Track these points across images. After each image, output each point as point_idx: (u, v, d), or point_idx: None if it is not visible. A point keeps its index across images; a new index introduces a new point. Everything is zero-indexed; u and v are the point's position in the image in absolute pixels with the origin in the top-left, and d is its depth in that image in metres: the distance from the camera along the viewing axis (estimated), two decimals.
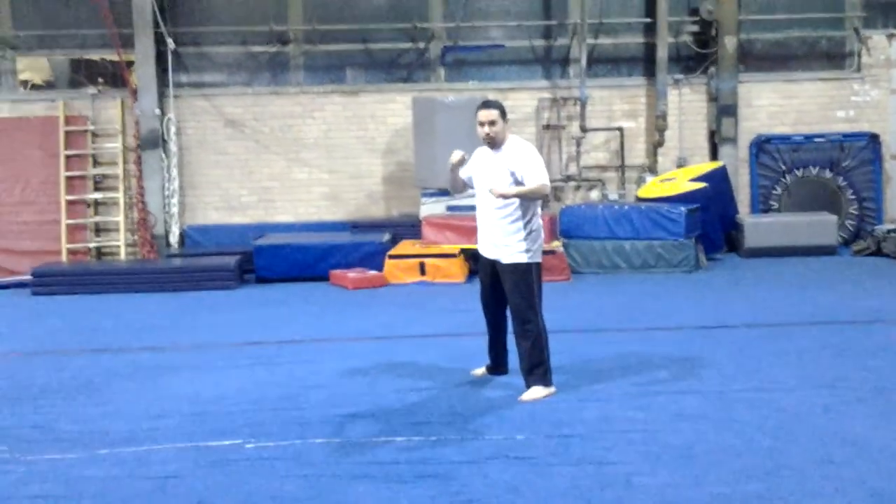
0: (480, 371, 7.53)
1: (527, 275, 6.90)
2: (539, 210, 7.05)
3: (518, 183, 6.81)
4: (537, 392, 6.89)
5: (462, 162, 7.13)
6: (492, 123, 6.88)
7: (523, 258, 6.89)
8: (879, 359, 7.76)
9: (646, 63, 14.36)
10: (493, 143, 6.94)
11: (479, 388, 7.21)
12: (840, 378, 7.23)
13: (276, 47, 14.20)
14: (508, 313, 7.15)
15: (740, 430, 6.07)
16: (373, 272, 11.86)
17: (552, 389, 6.94)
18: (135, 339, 9.33)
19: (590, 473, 5.43)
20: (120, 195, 13.75)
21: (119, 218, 13.72)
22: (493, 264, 7.05)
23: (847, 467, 5.43)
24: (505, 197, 6.78)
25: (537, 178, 6.78)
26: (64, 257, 13.41)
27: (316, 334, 9.27)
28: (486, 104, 6.98)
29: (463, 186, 7.36)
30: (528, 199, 6.85)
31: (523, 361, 7.00)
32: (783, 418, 6.31)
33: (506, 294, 7.01)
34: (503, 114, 6.93)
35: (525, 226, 6.89)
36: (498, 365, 7.46)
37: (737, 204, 13.59)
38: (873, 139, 13.95)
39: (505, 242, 6.93)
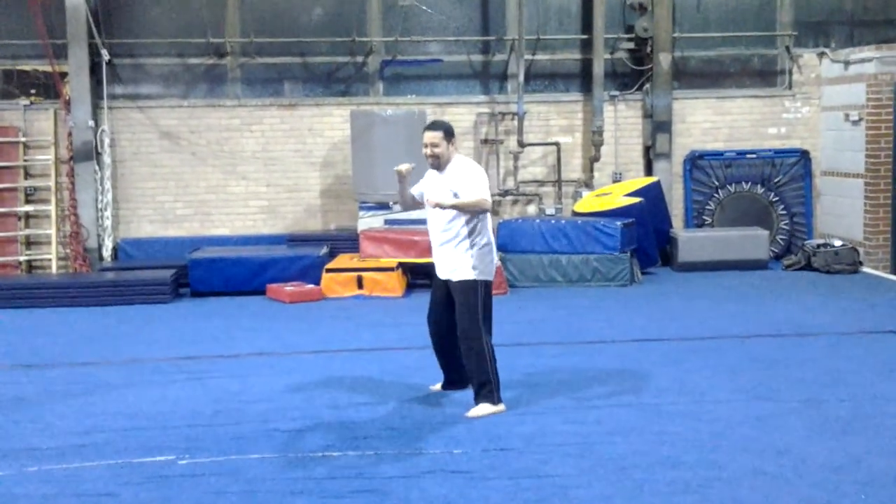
0: (437, 387, 7.49)
1: (472, 292, 6.91)
2: (488, 228, 7.03)
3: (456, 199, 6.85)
4: (483, 409, 6.88)
5: (408, 173, 7.15)
6: (434, 145, 6.91)
7: (471, 275, 6.89)
8: (809, 370, 7.91)
9: (582, 79, 14.48)
10: (438, 164, 6.99)
11: (416, 402, 7.21)
12: (771, 390, 7.35)
13: (212, 59, 14.08)
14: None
15: (674, 443, 6.15)
16: (310, 286, 11.79)
17: (500, 407, 6.92)
18: (66, 354, 9.16)
19: (526, 487, 5.46)
20: (52, 208, 13.51)
21: (51, 231, 13.48)
22: (447, 284, 7.06)
23: (778, 478, 5.53)
24: (441, 207, 6.82)
25: (475, 193, 6.82)
26: None
27: (252, 349, 9.19)
28: (431, 125, 7.03)
29: (413, 202, 7.36)
30: (467, 213, 6.86)
31: (471, 379, 7.02)
32: (715, 430, 6.40)
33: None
34: (448, 134, 6.95)
35: (472, 244, 6.91)
36: (452, 382, 7.41)
37: (671, 218, 13.75)
38: (804, 155, 14.21)
39: (454, 260, 6.95)
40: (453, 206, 6.82)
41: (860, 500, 5.18)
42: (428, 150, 6.94)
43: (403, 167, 7.15)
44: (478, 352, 6.91)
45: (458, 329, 6.99)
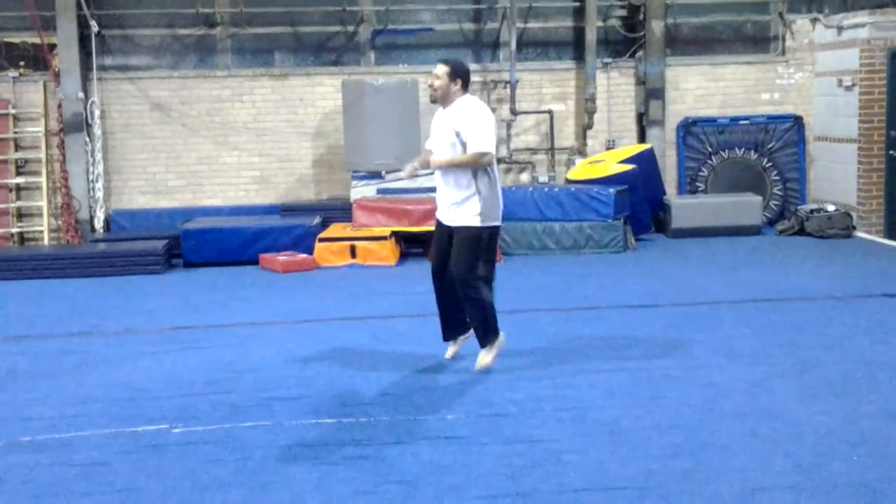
0: (449, 353, 7.40)
1: (473, 239, 6.85)
2: (495, 171, 6.95)
3: (462, 142, 6.78)
4: (488, 356, 6.99)
5: (414, 170, 7.10)
6: (436, 77, 6.88)
7: (475, 221, 6.83)
8: (803, 335, 7.92)
9: (575, 47, 14.41)
10: (436, 98, 6.95)
11: (409, 370, 7.20)
12: (765, 355, 7.36)
13: (202, 30, 13.99)
14: None
15: (668, 407, 6.16)
16: (303, 255, 11.76)
17: (501, 339, 7.05)
18: (59, 325, 9.15)
19: (520, 452, 5.46)
20: (43, 180, 13.45)
21: (42, 203, 13.43)
22: (449, 230, 6.99)
23: (771, 441, 5.54)
24: (440, 167, 6.82)
25: (477, 144, 6.73)
26: None
27: (246, 318, 9.18)
28: (442, 60, 6.97)
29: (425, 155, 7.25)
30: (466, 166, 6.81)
31: (472, 325, 7.08)
32: (709, 395, 6.41)
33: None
34: (454, 72, 6.86)
35: (477, 189, 6.82)
36: (457, 329, 7.33)
37: (664, 185, 13.73)
38: (797, 121, 14.17)
39: (458, 204, 6.88)
40: (451, 163, 6.79)
41: (853, 461, 5.19)
42: (429, 81, 6.93)
43: (408, 171, 7.09)
44: (474, 298, 6.90)
45: (454, 273, 6.90)
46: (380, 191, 12.69)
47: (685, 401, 6.28)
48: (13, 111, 13.54)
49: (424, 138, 12.84)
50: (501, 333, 7.11)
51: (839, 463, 5.18)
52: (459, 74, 6.90)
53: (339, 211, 12.96)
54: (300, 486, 5.06)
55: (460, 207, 6.88)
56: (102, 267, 11.65)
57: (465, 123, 6.79)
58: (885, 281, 10.04)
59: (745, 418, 5.92)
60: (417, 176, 7.21)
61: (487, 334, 7.03)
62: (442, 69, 6.87)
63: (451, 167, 6.84)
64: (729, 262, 11.39)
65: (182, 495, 4.99)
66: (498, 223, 7.03)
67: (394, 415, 6.16)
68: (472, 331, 7.22)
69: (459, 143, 6.82)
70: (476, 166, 6.82)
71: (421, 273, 11.11)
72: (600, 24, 14.20)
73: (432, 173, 7.14)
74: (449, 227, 7.00)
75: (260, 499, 4.93)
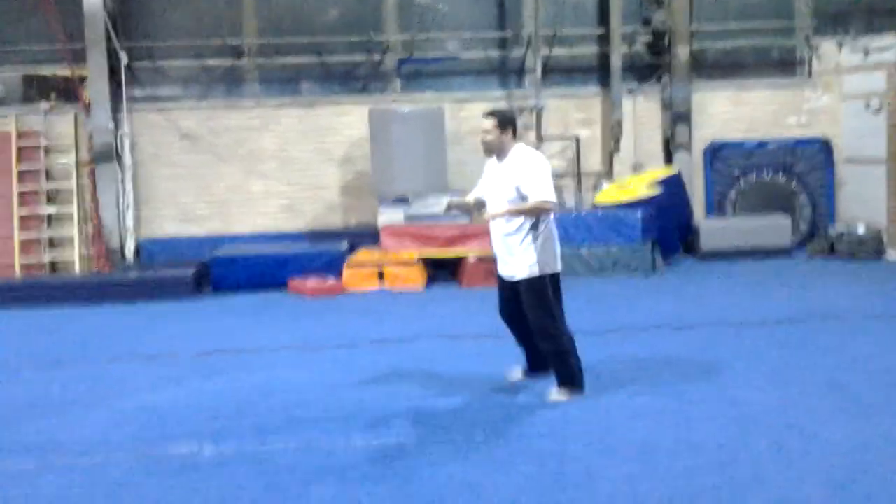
0: (516, 375, 7.37)
1: (539, 289, 6.76)
2: (551, 222, 6.85)
3: (522, 196, 6.67)
4: (558, 395, 6.86)
5: (450, 208, 7.09)
6: (486, 132, 6.77)
7: (535, 271, 6.74)
8: (832, 356, 7.85)
9: (600, 72, 14.45)
10: (490, 151, 6.84)
11: (439, 390, 7.20)
12: (794, 374, 7.31)
13: (230, 61, 14.14)
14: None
15: (697, 426, 6.12)
16: (332, 280, 11.82)
17: (581, 392, 6.89)
18: (90, 351, 9.21)
19: (550, 470, 5.44)
20: (74, 209, 13.60)
21: (73, 232, 13.58)
22: (511, 283, 6.90)
23: (801, 459, 5.50)
24: (499, 217, 6.70)
25: (539, 193, 6.62)
26: (18, 271, 13.25)
27: (274, 342, 9.22)
28: (488, 113, 6.83)
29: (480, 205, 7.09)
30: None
31: (554, 372, 6.95)
32: (739, 413, 6.37)
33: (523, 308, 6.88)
34: (503, 123, 6.75)
35: (535, 237, 6.72)
36: (533, 366, 7.29)
37: (692, 208, 13.70)
38: (825, 144, 14.13)
39: (516, 255, 6.79)
40: (513, 212, 6.67)
41: (885, 478, 5.14)
42: (481, 136, 6.83)
43: (446, 205, 7.08)
44: (556, 347, 6.84)
45: (533, 326, 6.85)
46: (407, 216, 12.73)
47: (714, 420, 6.24)
48: (45, 142, 13.71)
49: (450, 165, 13.05)
50: (583, 390, 6.93)
51: (871, 479, 5.14)
52: (507, 122, 6.79)
53: (367, 237, 13.02)
54: None
55: (518, 258, 6.79)
56: (133, 294, 11.76)
57: (524, 176, 6.67)
58: None
59: (775, 436, 5.88)
60: (454, 214, 7.14)
61: (569, 379, 6.89)
62: (489, 122, 6.75)
63: (511, 216, 6.70)
64: (758, 283, 11.33)
65: None
66: (558, 269, 6.90)
67: (423, 435, 6.16)
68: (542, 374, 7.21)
69: (519, 196, 6.68)
70: (535, 215, 6.72)
71: (448, 296, 11.18)
72: (625, 49, 14.25)
73: (469, 216, 7.08)
74: (511, 282, 6.92)
75: None
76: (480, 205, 7.06)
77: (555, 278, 6.91)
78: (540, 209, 6.69)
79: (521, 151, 6.82)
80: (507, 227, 6.79)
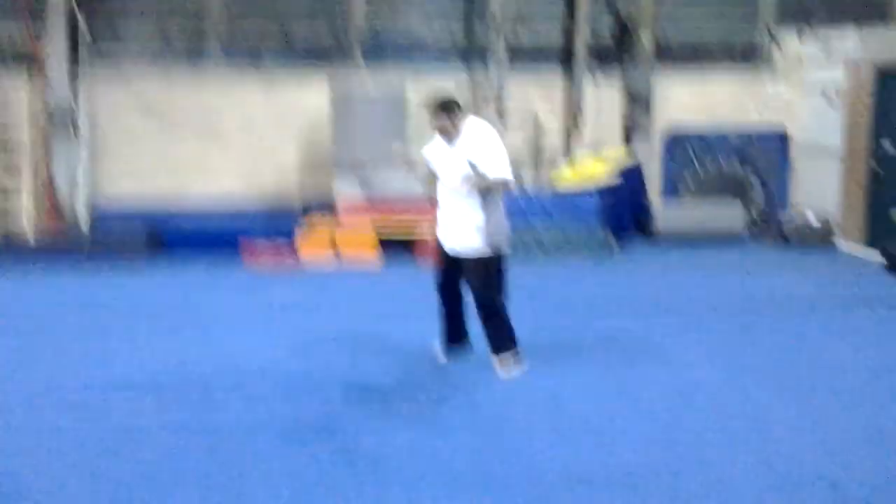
0: (440, 355, 7.32)
1: (485, 266, 6.78)
2: (499, 199, 6.85)
3: (476, 173, 6.62)
4: (507, 364, 6.88)
5: (404, 152, 7.06)
6: (442, 128, 6.72)
7: (485, 250, 6.75)
8: (780, 339, 7.97)
9: (564, 56, 14.49)
10: (450, 138, 6.76)
11: (388, 359, 7.22)
12: (740, 356, 7.41)
13: (193, 29, 14.02)
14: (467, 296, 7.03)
15: (642, 404, 6.19)
16: (287, 250, 11.79)
17: (524, 367, 6.92)
18: (41, 319, 9.13)
19: (491, 441, 5.48)
20: (28, 174, 13.44)
21: (27, 200, 13.42)
22: (455, 254, 6.90)
23: (742, 436, 5.58)
24: (468, 187, 6.63)
25: (498, 170, 6.61)
26: None
27: (225, 308, 9.22)
28: (433, 106, 6.72)
29: (431, 175, 7.06)
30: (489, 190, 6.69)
31: (491, 342, 6.96)
32: (686, 392, 6.45)
33: (465, 281, 6.89)
34: (451, 108, 6.68)
35: (486, 217, 6.72)
36: (458, 339, 7.28)
37: (649, 193, 13.79)
38: (783, 134, 14.27)
39: (464, 232, 6.79)
40: (482, 185, 6.63)
41: (823, 460, 5.23)
42: (436, 128, 6.77)
43: (398, 151, 7.06)
44: (498, 322, 6.88)
45: (476, 302, 6.86)
46: (365, 191, 12.68)
47: (660, 400, 6.31)
48: None
49: (412, 142, 13.00)
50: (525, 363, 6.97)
51: (808, 457, 5.23)
52: (453, 107, 6.71)
53: (325, 209, 12.96)
54: (271, 466, 5.09)
55: (467, 236, 6.79)
56: (86, 261, 11.63)
57: (479, 152, 6.63)
58: (863, 290, 10.12)
59: (719, 414, 5.96)
60: (409, 164, 7.12)
61: (507, 342, 6.93)
62: (441, 116, 6.67)
63: (475, 188, 6.65)
64: (711, 268, 11.46)
65: (155, 473, 5.01)
66: (505, 250, 6.93)
67: (367, 403, 6.18)
68: (468, 348, 7.24)
69: (476, 172, 6.64)
70: (493, 192, 6.71)
71: (404, 274, 11.19)
72: (589, 34, 14.28)
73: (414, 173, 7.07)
74: (455, 257, 6.92)
75: (233, 480, 4.95)
76: (431, 174, 7.01)
77: (501, 258, 6.93)
78: (500, 187, 6.71)
79: (472, 128, 6.77)
80: (460, 204, 6.76)
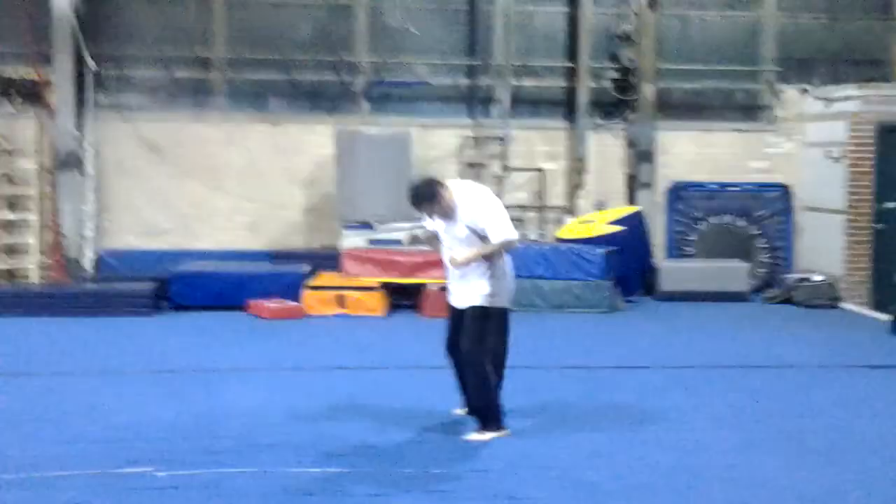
0: (460, 411, 7.24)
1: (480, 318, 6.75)
2: (506, 256, 6.86)
3: (480, 236, 6.63)
4: (486, 434, 6.78)
5: (415, 240, 7.09)
6: (431, 219, 6.80)
7: (485, 301, 6.74)
8: (787, 402, 7.96)
9: (567, 106, 14.55)
10: (449, 217, 6.74)
11: (396, 422, 7.19)
12: (750, 421, 7.39)
13: (199, 72, 14.08)
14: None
15: (651, 470, 6.17)
16: (291, 303, 11.76)
17: (504, 432, 6.82)
18: (45, 364, 9.09)
19: None
20: (34, 217, 13.44)
21: (32, 240, 13.40)
22: (461, 312, 6.88)
23: None
24: (466, 264, 6.65)
25: (500, 232, 6.61)
26: None
27: (232, 364, 9.16)
28: (417, 202, 6.69)
29: (436, 240, 7.09)
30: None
31: (471, 402, 6.93)
32: (693, 458, 6.43)
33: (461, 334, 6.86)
34: (432, 199, 6.64)
35: (491, 273, 6.72)
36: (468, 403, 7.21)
37: (653, 248, 13.81)
38: (786, 190, 14.32)
39: (470, 287, 6.79)
40: (477, 256, 6.64)
41: None
42: (426, 219, 6.83)
43: (408, 238, 7.11)
44: (481, 377, 6.81)
45: (461, 348, 6.84)
46: (371, 241, 12.70)
47: (669, 464, 6.29)
48: (7, 146, 13.52)
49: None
50: (506, 430, 6.87)
51: None
52: (434, 194, 6.64)
53: (329, 260, 12.93)
54: None
55: (470, 289, 6.78)
56: (90, 307, 11.59)
57: (477, 216, 6.64)
58: (868, 352, 10.12)
59: (728, 483, 5.94)
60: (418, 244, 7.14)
61: (488, 420, 6.84)
62: (427, 210, 6.69)
63: (470, 244, 6.66)
64: (715, 327, 11.45)
65: None
66: (507, 306, 6.92)
67: (377, 466, 6.15)
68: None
69: (477, 236, 6.66)
70: (496, 255, 6.72)
71: (409, 325, 11.17)
72: (592, 85, 14.36)
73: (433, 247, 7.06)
74: (460, 310, 6.90)
75: None
76: (434, 237, 7.04)
77: (503, 313, 6.92)
78: (503, 249, 6.73)
79: (463, 193, 6.75)
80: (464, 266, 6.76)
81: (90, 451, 6.37)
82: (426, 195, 6.69)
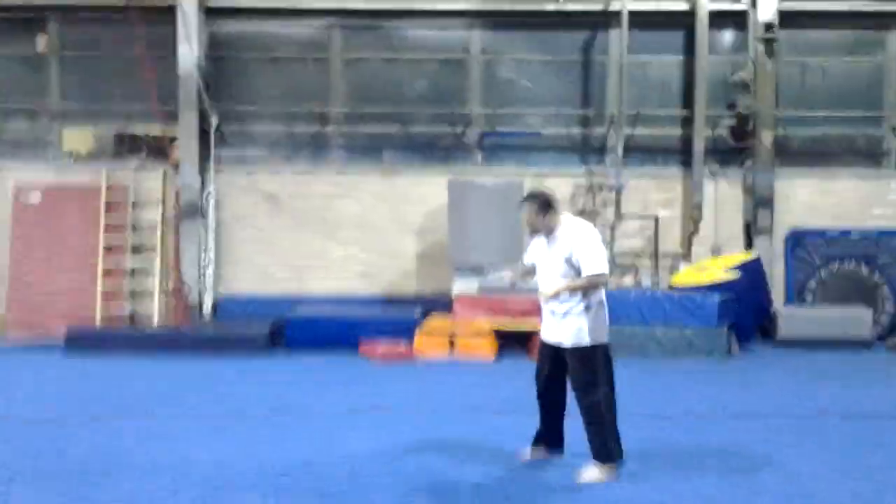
0: (527, 452, 7.23)
1: (588, 359, 6.72)
2: (602, 291, 6.81)
3: (574, 268, 6.66)
4: (594, 472, 6.71)
5: (514, 283, 7.20)
6: (529, 222, 6.83)
7: (585, 340, 6.71)
8: None
9: (682, 154, 14.42)
10: (536, 232, 6.85)
11: (503, 464, 7.12)
12: (871, 470, 7.09)
13: (316, 127, 14.44)
14: (568, 395, 6.95)
15: None
16: (402, 346, 11.85)
17: (612, 473, 6.74)
18: (162, 404, 9.31)
19: None
20: (156, 263, 13.89)
21: (154, 285, 13.84)
22: (556, 348, 6.87)
23: None
24: (556, 296, 6.69)
25: (592, 266, 6.61)
26: (98, 321, 13.50)
27: (344, 406, 9.22)
28: (525, 199, 6.87)
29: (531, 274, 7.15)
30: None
31: (592, 447, 6.82)
32: None
33: (567, 376, 6.83)
34: (542, 207, 6.74)
35: (586, 307, 6.69)
36: (552, 444, 7.19)
37: (771, 295, 13.49)
38: None
39: (564, 322, 6.76)
40: (567, 289, 6.66)
41: None
42: (524, 221, 6.88)
43: (508, 281, 7.20)
44: (597, 418, 6.72)
45: (577, 395, 6.77)
46: (481, 287, 12.74)
47: None
48: (132, 198, 14.05)
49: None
50: (616, 470, 6.79)
51: None
52: (546, 205, 6.77)
53: (440, 305, 13.05)
54: None
55: (568, 327, 6.75)
56: (208, 348, 11.92)
57: (574, 249, 6.67)
58: None
59: None
60: (521, 286, 7.19)
61: (605, 455, 6.77)
62: (529, 209, 6.77)
63: (564, 275, 6.69)
64: (836, 375, 11.07)
65: None
66: (606, 340, 6.84)
67: None
68: (559, 454, 7.13)
69: (572, 269, 6.67)
70: (590, 290, 6.70)
71: (518, 370, 11.09)
72: (709, 132, 14.21)
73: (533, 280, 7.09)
74: (555, 347, 6.88)
75: None
76: (530, 271, 7.07)
77: (605, 349, 6.84)
78: (593, 284, 6.67)
79: (568, 224, 6.81)
80: (560, 298, 6.75)
81: (202, 490, 6.47)
82: (539, 200, 6.81)
